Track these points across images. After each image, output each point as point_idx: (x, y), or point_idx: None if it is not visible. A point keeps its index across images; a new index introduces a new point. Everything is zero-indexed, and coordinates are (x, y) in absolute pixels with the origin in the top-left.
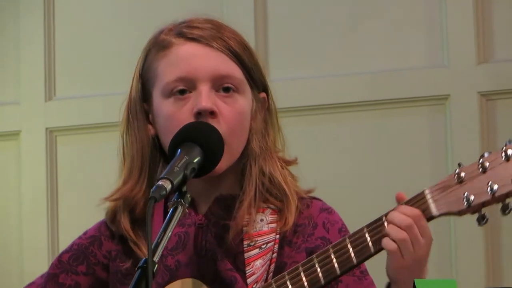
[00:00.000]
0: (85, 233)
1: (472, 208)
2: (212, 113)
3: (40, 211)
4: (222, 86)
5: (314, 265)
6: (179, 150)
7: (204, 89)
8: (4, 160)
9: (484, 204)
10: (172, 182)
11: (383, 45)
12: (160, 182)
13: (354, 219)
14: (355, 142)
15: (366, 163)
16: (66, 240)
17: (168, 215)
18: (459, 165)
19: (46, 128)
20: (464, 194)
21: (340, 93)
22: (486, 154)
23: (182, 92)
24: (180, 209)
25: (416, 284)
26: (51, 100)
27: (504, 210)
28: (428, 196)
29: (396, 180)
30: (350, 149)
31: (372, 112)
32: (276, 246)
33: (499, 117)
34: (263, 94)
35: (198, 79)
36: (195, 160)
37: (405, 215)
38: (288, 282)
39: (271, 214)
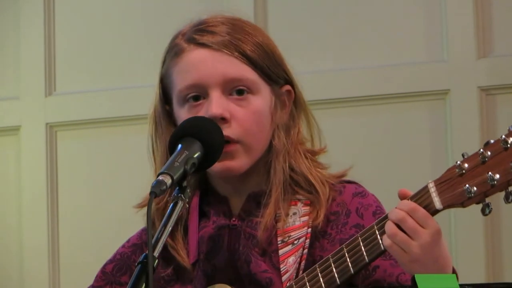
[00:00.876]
0: (128, 241)
1: (475, 199)
2: (223, 119)
3: (40, 206)
4: (234, 89)
5: (330, 265)
6: (179, 145)
7: (214, 95)
8: (4, 155)
9: (487, 194)
10: (172, 177)
11: (383, 40)
12: (160, 177)
13: None
14: (355, 137)
15: (366, 158)
16: (66, 235)
17: (169, 210)
18: (463, 155)
19: (46, 123)
20: (466, 185)
21: (340, 88)
22: (489, 142)
23: (195, 98)
24: (180, 204)
25: (415, 279)
26: (51, 95)
27: (508, 197)
28: (432, 190)
29: (396, 175)
30: (349, 144)
31: (371, 107)
32: (307, 241)
33: (499, 112)
34: (287, 87)
35: (209, 85)
36: (195, 155)
37: (399, 209)
38: (307, 284)
39: (303, 206)
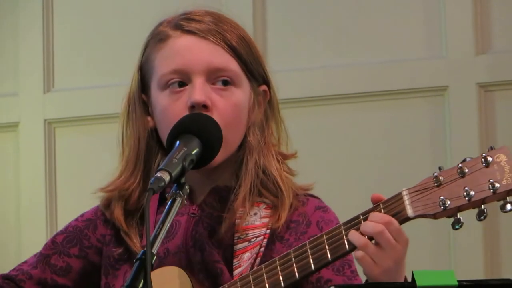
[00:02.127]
0: (81, 216)
1: (447, 212)
2: (205, 106)
3: (38, 203)
4: (218, 79)
5: (290, 260)
6: (177, 142)
7: (198, 82)
8: (3, 152)
9: (460, 208)
10: (170, 174)
11: (382, 36)
12: (158, 174)
13: (352, 210)
14: (354, 133)
15: (365, 155)
16: None
17: (167, 207)
18: (440, 168)
19: (45, 120)
20: (440, 197)
21: (339, 84)
22: (467, 159)
23: (178, 84)
24: (178, 200)
25: (414, 276)
26: (50, 92)
27: (480, 215)
28: (405, 198)
29: (395, 171)
30: (348, 140)
31: (370, 103)
32: (265, 240)
33: (497, 108)
34: (263, 87)
35: (193, 72)
36: (194, 152)
37: (374, 222)
38: (264, 275)
39: (265, 209)
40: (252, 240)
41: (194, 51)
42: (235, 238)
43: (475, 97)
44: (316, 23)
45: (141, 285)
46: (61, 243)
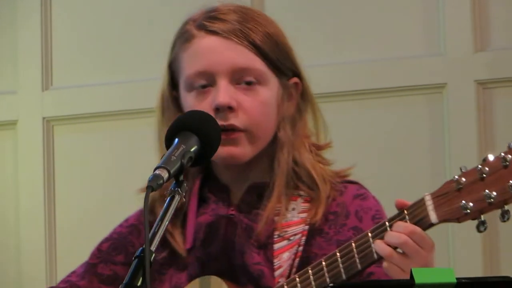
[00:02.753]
0: (126, 221)
1: (470, 215)
2: (230, 108)
3: (37, 201)
4: (242, 79)
5: (322, 269)
6: (176, 139)
7: (222, 84)
8: (1, 149)
9: (483, 211)
10: (169, 171)
11: (380, 34)
12: (157, 171)
13: None
14: (352, 131)
15: (363, 152)
16: (63, 229)
17: (166, 204)
18: (461, 169)
19: (43, 118)
20: (462, 201)
21: (337, 82)
22: (490, 157)
23: (202, 86)
24: (177, 198)
25: (413, 273)
26: (48, 90)
27: (503, 216)
28: (428, 203)
29: (393, 169)
30: (346, 138)
31: (368, 101)
32: (303, 238)
33: (496, 106)
34: (294, 80)
35: (217, 74)
36: (192, 149)
37: (398, 232)
38: (298, 286)
39: (303, 203)
40: (291, 238)
41: (218, 52)
42: (275, 236)
43: (473, 94)
44: (314, 21)
45: (139, 283)
46: (106, 251)
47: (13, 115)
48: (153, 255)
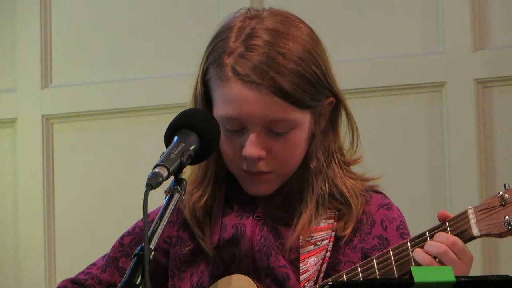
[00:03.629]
0: (148, 216)
1: None
2: (259, 158)
3: (36, 199)
4: (275, 130)
5: (357, 274)
6: (175, 137)
7: (252, 136)
8: (0, 147)
9: None
10: (168, 169)
11: (379, 32)
12: (156, 169)
13: None
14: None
15: (362, 151)
16: (62, 226)
17: (165, 202)
18: (505, 186)
19: (43, 116)
20: (506, 217)
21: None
22: None
23: (234, 130)
24: (176, 196)
25: (412, 272)
26: (48, 87)
27: None
28: (471, 216)
29: (393, 168)
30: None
31: (368, 99)
32: (331, 244)
33: (495, 104)
34: (330, 100)
35: (248, 124)
36: (192, 147)
37: (439, 242)
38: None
39: (330, 209)
40: (318, 243)
41: (250, 104)
42: (301, 241)
43: (472, 93)
44: (312, 19)
45: (139, 281)
46: (128, 245)
47: (12, 113)
48: (152, 253)
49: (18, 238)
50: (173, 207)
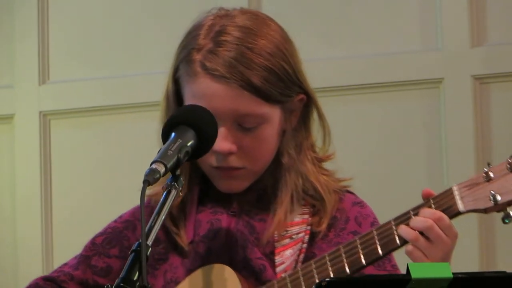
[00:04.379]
0: (120, 217)
1: (497, 207)
2: (230, 153)
3: (33, 195)
4: (244, 125)
5: (340, 255)
6: (173, 134)
7: (222, 130)
8: None
9: (510, 203)
10: (165, 166)
11: (376, 29)
12: (153, 166)
13: None
14: (348, 126)
15: (359, 147)
16: (59, 222)
17: (162, 198)
18: (488, 164)
19: (40, 112)
20: (491, 192)
21: (333, 77)
22: None
23: None
24: (173, 192)
25: (409, 268)
26: (45, 84)
27: None
28: (456, 193)
29: (390, 164)
30: (343, 132)
31: (365, 96)
32: (307, 237)
33: (492, 101)
34: (300, 96)
35: (218, 118)
36: (189, 144)
37: (424, 218)
38: (314, 271)
39: (304, 205)
40: (293, 237)
41: (219, 99)
42: (276, 235)
43: (470, 89)
44: (310, 16)
45: (136, 277)
46: (100, 244)
47: (10, 109)
48: (150, 249)
49: (16, 233)
50: (170, 203)
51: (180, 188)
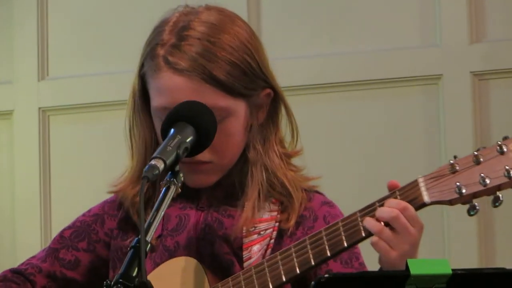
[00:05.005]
0: (89, 211)
1: (463, 198)
2: None
3: (32, 191)
4: None
5: (306, 247)
6: (172, 130)
7: None
8: None
9: (475, 195)
10: (165, 162)
11: (375, 25)
12: (153, 162)
13: (345, 197)
14: (347, 122)
15: (359, 143)
16: (58, 219)
17: (161, 194)
18: (455, 157)
19: (39, 108)
20: (456, 183)
21: (332, 73)
22: (484, 147)
23: None
24: (172, 188)
25: (408, 264)
26: (44, 80)
27: (495, 202)
28: (421, 184)
29: (389, 160)
30: (342, 128)
31: (364, 92)
32: (275, 233)
33: (491, 97)
34: (266, 91)
35: None
36: (188, 140)
37: (389, 208)
38: (279, 262)
39: (272, 203)
40: (262, 233)
41: (182, 93)
42: (244, 231)
43: (469, 85)
44: (310, 12)
45: (135, 273)
46: (69, 238)
47: (9, 105)
48: (149, 245)
49: (15, 228)
50: (169, 199)
51: (180, 184)
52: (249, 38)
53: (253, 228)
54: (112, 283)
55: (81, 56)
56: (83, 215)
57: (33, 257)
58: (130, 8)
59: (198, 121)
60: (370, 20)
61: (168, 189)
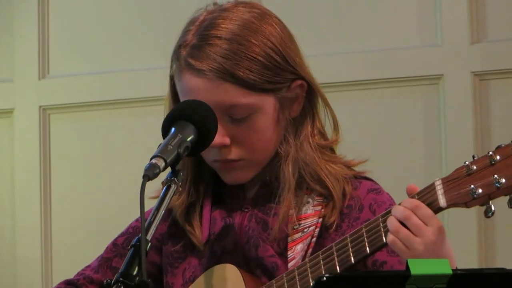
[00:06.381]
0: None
1: (479, 200)
2: (224, 145)
3: (33, 189)
4: (233, 116)
5: (332, 254)
6: (173, 129)
7: None
8: None
9: (491, 196)
10: (165, 161)
11: (376, 24)
12: (153, 161)
13: None
14: (348, 122)
15: (359, 143)
16: (58, 218)
17: (162, 193)
18: (473, 157)
19: (40, 106)
20: (471, 186)
21: (333, 73)
22: (500, 146)
23: None
24: (173, 187)
25: (409, 264)
26: (45, 78)
27: (511, 202)
28: (438, 188)
29: (389, 160)
30: (342, 128)
31: (364, 92)
32: (317, 230)
33: (492, 97)
34: (297, 82)
35: None
36: (189, 139)
37: (403, 207)
38: (321, 262)
39: (318, 196)
40: (305, 230)
41: (202, 93)
42: (289, 229)
43: (469, 86)
44: (310, 12)
45: (135, 272)
46: (121, 245)
47: (9, 103)
48: (149, 244)
49: (15, 227)
50: (170, 198)
51: (180, 183)
52: (274, 31)
53: (297, 226)
54: (113, 282)
55: (82, 54)
56: (136, 220)
57: (88, 266)
58: (131, 7)
59: (198, 119)
60: (371, 20)
61: (168, 188)
